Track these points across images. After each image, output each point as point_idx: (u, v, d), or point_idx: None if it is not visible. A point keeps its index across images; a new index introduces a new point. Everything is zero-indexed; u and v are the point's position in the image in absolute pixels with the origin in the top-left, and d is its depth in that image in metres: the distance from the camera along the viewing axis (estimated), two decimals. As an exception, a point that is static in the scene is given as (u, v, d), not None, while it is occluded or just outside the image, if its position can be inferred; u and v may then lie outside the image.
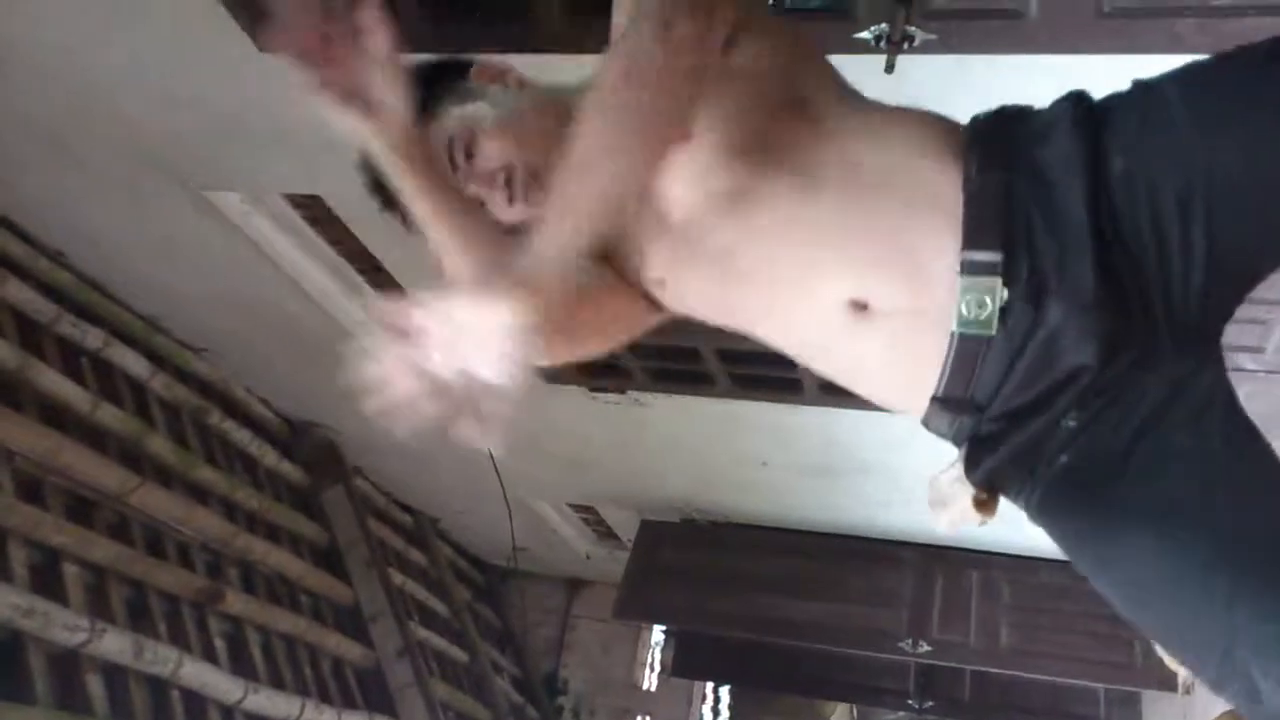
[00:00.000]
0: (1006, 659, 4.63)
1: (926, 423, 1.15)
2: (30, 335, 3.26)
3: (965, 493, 1.15)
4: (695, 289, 1.22)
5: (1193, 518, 1.01)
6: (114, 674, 2.85)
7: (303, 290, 3.54)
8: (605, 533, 5.96)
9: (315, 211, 3.37)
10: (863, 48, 2.04)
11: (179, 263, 3.54)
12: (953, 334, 1.06)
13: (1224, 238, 1.03)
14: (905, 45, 2.02)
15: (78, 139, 2.94)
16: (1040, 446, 1.08)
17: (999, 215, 1.05)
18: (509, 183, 1.23)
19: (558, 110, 1.22)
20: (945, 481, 1.17)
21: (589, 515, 5.83)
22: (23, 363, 3.07)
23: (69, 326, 3.41)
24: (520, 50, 2.27)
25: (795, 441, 3.94)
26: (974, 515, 1.16)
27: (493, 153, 1.25)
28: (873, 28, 2.01)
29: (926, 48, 2.03)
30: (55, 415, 3.17)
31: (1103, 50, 2.02)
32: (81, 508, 3.12)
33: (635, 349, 3.56)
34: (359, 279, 3.71)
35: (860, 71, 2.12)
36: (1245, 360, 3.09)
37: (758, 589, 4.74)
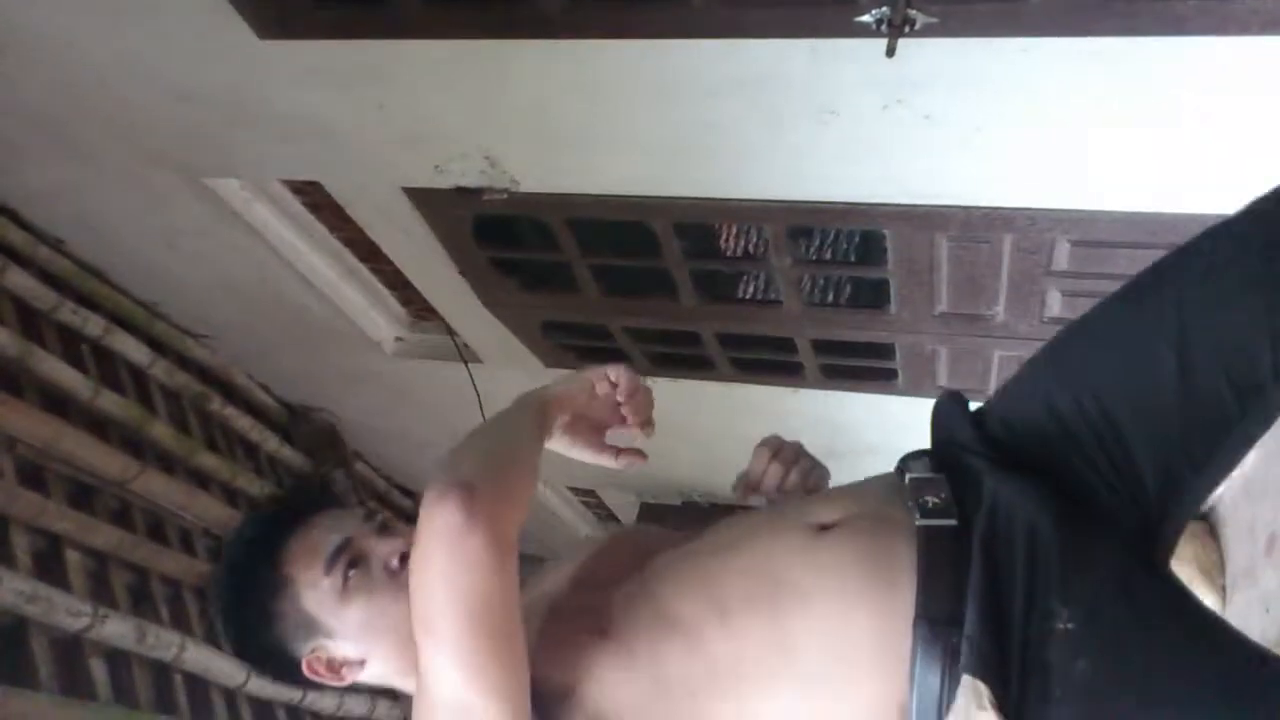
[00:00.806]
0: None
1: (915, 689, 1.07)
2: (31, 323, 3.27)
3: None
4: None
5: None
6: (117, 659, 2.86)
7: (302, 276, 3.53)
8: (606, 515, 5.97)
9: (315, 198, 3.36)
10: (864, 31, 2.03)
11: (179, 249, 3.53)
12: (919, 529, 1.12)
13: (1096, 456, 1.14)
14: (906, 29, 2.00)
15: (78, 126, 2.93)
16: (1046, 661, 1.04)
17: (933, 460, 1.23)
18: (404, 560, 1.19)
19: None
20: None
21: (589, 498, 5.85)
22: (24, 350, 3.07)
23: (69, 314, 3.41)
24: (521, 36, 2.27)
25: (797, 424, 3.93)
26: None
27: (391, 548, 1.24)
28: (874, 11, 2.00)
29: (928, 31, 2.02)
30: (56, 402, 3.17)
31: (1105, 33, 2.02)
32: (83, 494, 3.13)
33: (634, 333, 3.57)
34: (358, 264, 3.71)
35: (861, 56, 2.14)
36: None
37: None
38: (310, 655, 1.22)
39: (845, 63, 2.18)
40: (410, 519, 4.03)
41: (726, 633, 1.11)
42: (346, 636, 1.21)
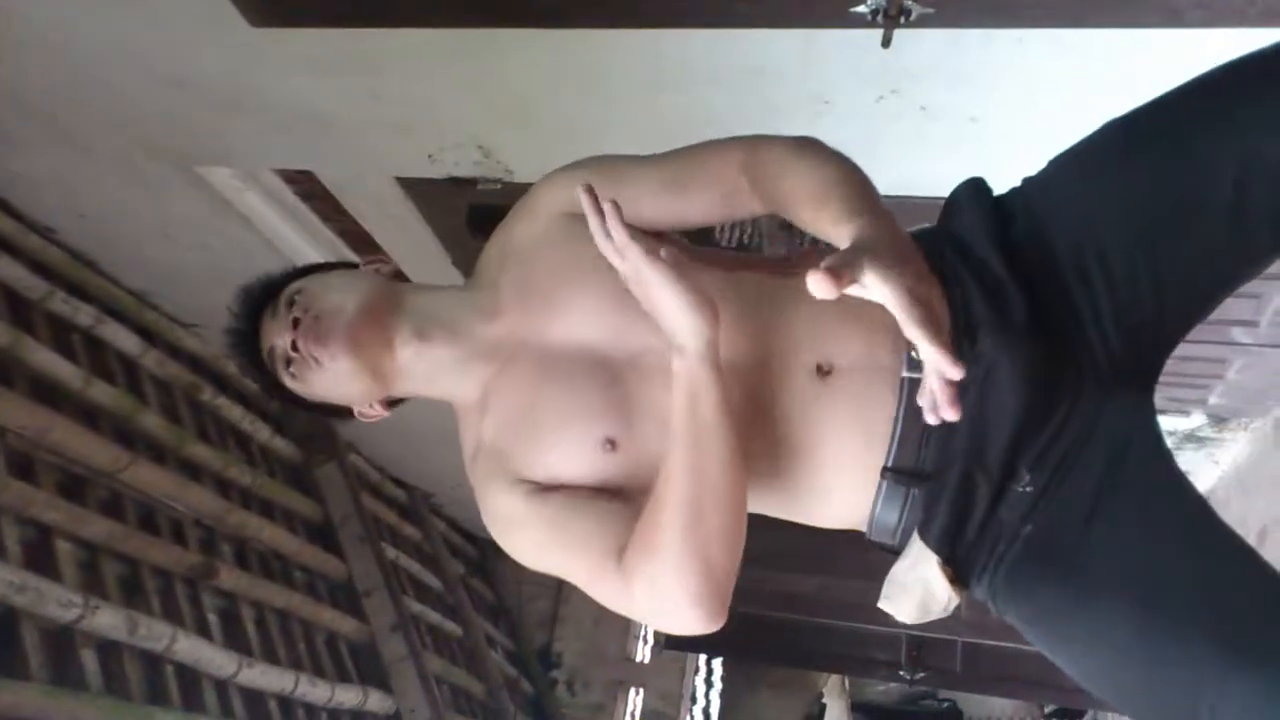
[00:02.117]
0: (997, 631, 4.66)
1: (874, 520, 1.18)
2: (21, 312, 3.25)
3: (927, 572, 1.15)
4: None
5: (1165, 583, 1.05)
6: (108, 650, 2.85)
7: (294, 266, 3.52)
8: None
9: (308, 187, 3.35)
10: (859, 22, 2.02)
11: (171, 239, 3.52)
12: (903, 380, 1.13)
13: (1122, 282, 1.13)
14: (902, 19, 2.00)
15: (69, 115, 2.91)
16: (999, 517, 1.13)
17: (934, 268, 1.14)
18: (296, 324, 1.27)
19: (396, 291, 1.35)
20: (901, 570, 1.18)
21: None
22: (14, 340, 3.05)
23: (60, 303, 3.39)
24: (516, 25, 2.26)
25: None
26: (943, 594, 1.15)
27: (310, 302, 1.29)
28: (869, 1, 2.00)
29: (923, 22, 2.01)
30: (47, 392, 3.16)
31: (1100, 24, 2.02)
32: (74, 484, 3.12)
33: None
34: (351, 254, 3.70)
35: (856, 47, 2.13)
36: (1239, 334, 3.10)
37: (751, 562, 4.67)
38: (354, 411, 1.38)
39: (840, 53, 2.18)
40: (403, 512, 4.04)
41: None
42: (347, 399, 1.35)
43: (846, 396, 1.15)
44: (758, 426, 1.16)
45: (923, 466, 1.14)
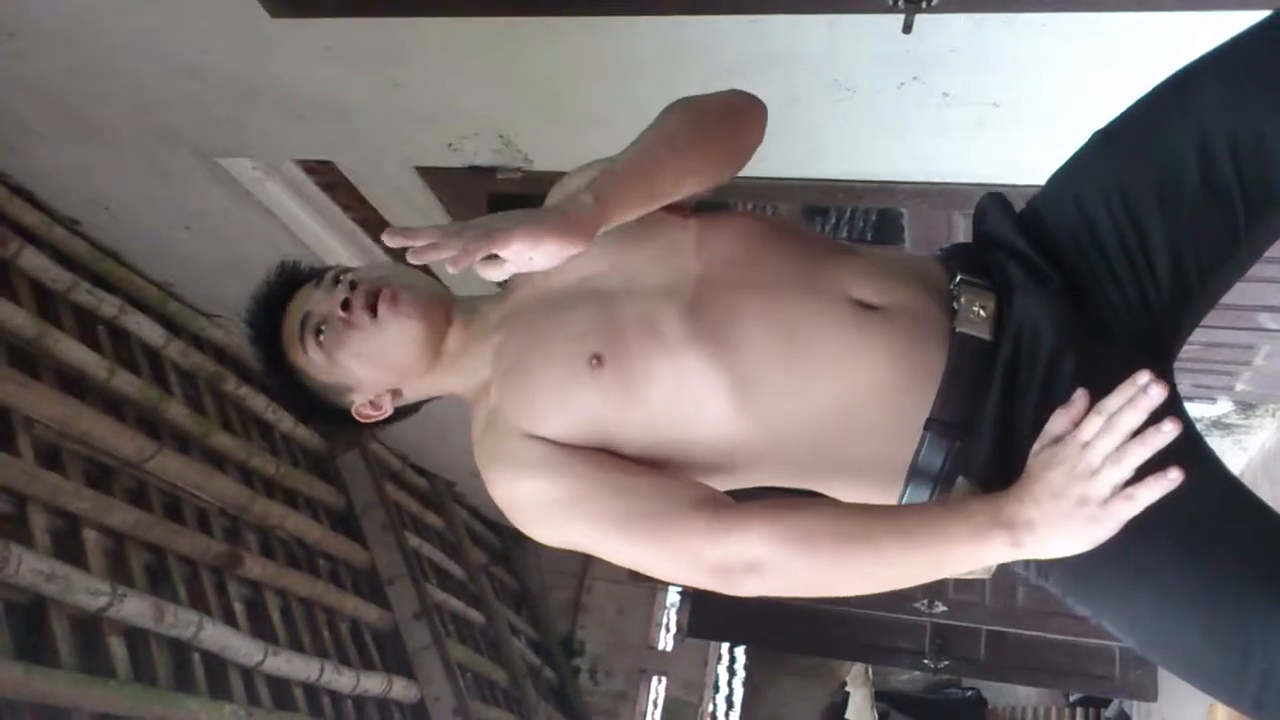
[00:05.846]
0: (1021, 619, 4.65)
1: (915, 468, 1.19)
2: (47, 303, 3.27)
3: None
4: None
5: (1208, 529, 1.10)
6: (136, 637, 2.88)
7: (316, 256, 3.53)
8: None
9: (329, 177, 3.36)
10: (881, 7, 2.01)
11: (193, 229, 3.53)
12: (954, 335, 1.19)
13: (1121, 267, 1.22)
14: (924, 4, 1.99)
15: (91, 107, 2.93)
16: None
17: (976, 260, 1.28)
18: (353, 286, 1.29)
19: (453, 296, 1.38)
20: None
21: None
22: (40, 331, 3.08)
23: (85, 294, 3.42)
24: (537, 14, 2.26)
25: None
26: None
27: (367, 273, 1.33)
28: (891, -14, 1.99)
29: (945, 7, 2.00)
30: (73, 383, 3.18)
31: (1124, 7, 2.00)
32: (100, 474, 3.14)
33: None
34: (371, 244, 3.71)
35: (879, 32, 2.12)
36: (1266, 320, 3.07)
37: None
38: (353, 408, 1.39)
39: (862, 39, 2.17)
40: (426, 500, 4.06)
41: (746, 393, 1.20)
42: (361, 382, 1.36)
43: (891, 333, 1.19)
44: (790, 346, 1.20)
45: (967, 420, 1.17)
